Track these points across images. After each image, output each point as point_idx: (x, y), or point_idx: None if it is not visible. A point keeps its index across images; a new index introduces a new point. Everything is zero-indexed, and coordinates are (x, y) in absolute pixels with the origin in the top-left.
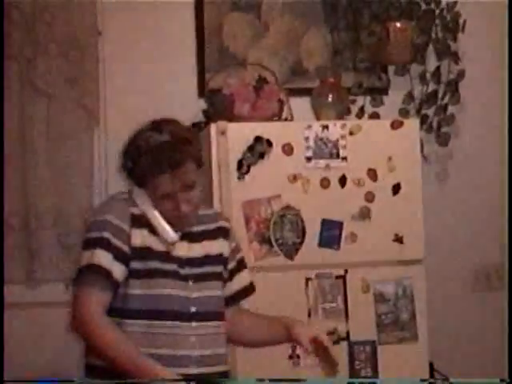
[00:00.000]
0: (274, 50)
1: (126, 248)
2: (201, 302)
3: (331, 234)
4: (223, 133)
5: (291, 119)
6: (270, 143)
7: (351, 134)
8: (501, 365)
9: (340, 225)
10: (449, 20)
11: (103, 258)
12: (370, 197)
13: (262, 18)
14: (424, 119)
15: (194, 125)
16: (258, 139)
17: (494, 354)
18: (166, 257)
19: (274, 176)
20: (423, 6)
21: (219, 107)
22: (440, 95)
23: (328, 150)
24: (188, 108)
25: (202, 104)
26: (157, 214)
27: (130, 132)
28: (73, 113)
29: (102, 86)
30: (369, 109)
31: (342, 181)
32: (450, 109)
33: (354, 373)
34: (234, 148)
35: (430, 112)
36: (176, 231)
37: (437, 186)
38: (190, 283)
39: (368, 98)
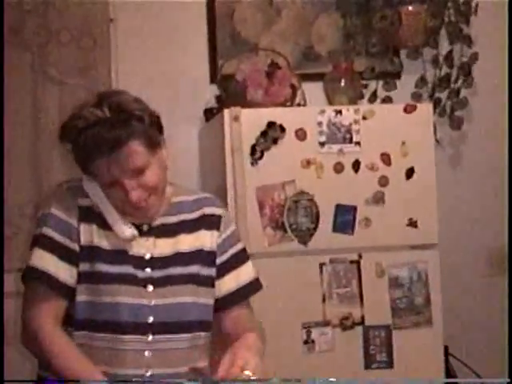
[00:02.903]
0: (286, 35)
1: (74, 246)
2: (163, 311)
3: (345, 218)
4: (236, 118)
5: (304, 104)
6: (282, 128)
7: (364, 118)
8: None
9: (354, 209)
10: (461, 3)
11: (45, 260)
12: (383, 181)
13: (273, 2)
14: (437, 103)
15: (207, 111)
16: (270, 124)
17: (508, 337)
18: (119, 257)
19: (288, 161)
20: None
21: (232, 93)
22: (453, 79)
23: (341, 135)
24: (201, 94)
25: (215, 90)
26: (109, 205)
27: None
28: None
29: (114, 73)
30: (381, 93)
31: (356, 166)
32: (463, 92)
33: (368, 357)
34: (247, 134)
35: (443, 96)
36: (139, 225)
37: (450, 170)
38: (150, 288)
39: (380, 83)
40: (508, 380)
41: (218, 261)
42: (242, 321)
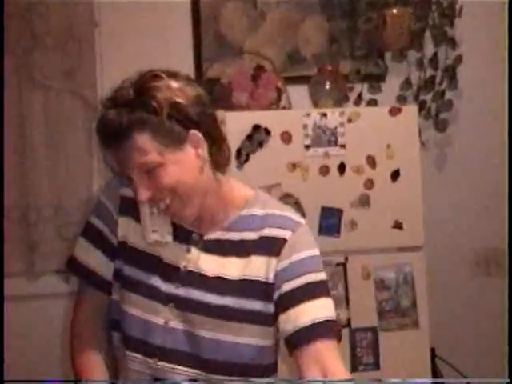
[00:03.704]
0: (271, 39)
1: (113, 239)
2: (175, 337)
3: (331, 221)
4: (222, 122)
5: (289, 107)
6: (268, 132)
7: (350, 121)
8: (501, 351)
9: (339, 212)
10: (445, 5)
11: (85, 250)
12: (369, 184)
13: (258, 6)
14: (422, 105)
15: None
16: (256, 128)
17: (494, 339)
18: (149, 262)
19: (273, 164)
20: None
21: (217, 96)
22: (437, 81)
23: (327, 138)
24: None
25: None
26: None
27: None
28: (71, 104)
29: (100, 76)
30: (366, 96)
31: (341, 168)
32: (448, 94)
33: (355, 360)
34: (232, 137)
35: (428, 98)
36: (189, 233)
37: (435, 172)
38: (170, 307)
39: (366, 85)
40: (508, 380)
41: (278, 293)
42: (309, 371)
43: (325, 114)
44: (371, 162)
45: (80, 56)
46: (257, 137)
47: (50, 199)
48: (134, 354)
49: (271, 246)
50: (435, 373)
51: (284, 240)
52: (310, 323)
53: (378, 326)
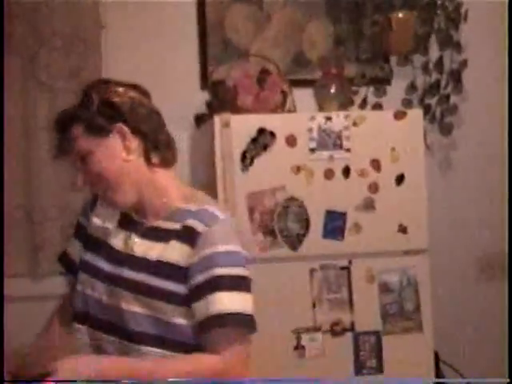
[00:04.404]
0: (277, 42)
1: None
2: (101, 308)
3: (335, 224)
4: (227, 125)
5: (294, 110)
6: (273, 135)
7: (355, 124)
8: (505, 355)
9: (344, 216)
10: (451, 10)
11: (70, 244)
12: (373, 187)
13: (264, 9)
14: (427, 109)
15: (198, 117)
16: (261, 131)
17: (498, 343)
18: (98, 247)
19: (278, 167)
20: None
21: (222, 99)
22: (443, 85)
23: (331, 141)
24: (191, 100)
25: (205, 96)
26: None
27: None
28: None
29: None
30: (371, 99)
31: (346, 172)
32: (453, 99)
33: (359, 363)
34: (237, 140)
35: (433, 102)
36: (136, 222)
37: (440, 175)
38: (105, 284)
39: (371, 89)
40: (508, 380)
41: (192, 282)
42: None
43: (330, 118)
44: (376, 165)
45: (86, 57)
46: (262, 140)
47: (54, 200)
48: (79, 325)
49: (188, 236)
50: (438, 376)
51: (199, 233)
52: (206, 316)
53: (381, 329)
